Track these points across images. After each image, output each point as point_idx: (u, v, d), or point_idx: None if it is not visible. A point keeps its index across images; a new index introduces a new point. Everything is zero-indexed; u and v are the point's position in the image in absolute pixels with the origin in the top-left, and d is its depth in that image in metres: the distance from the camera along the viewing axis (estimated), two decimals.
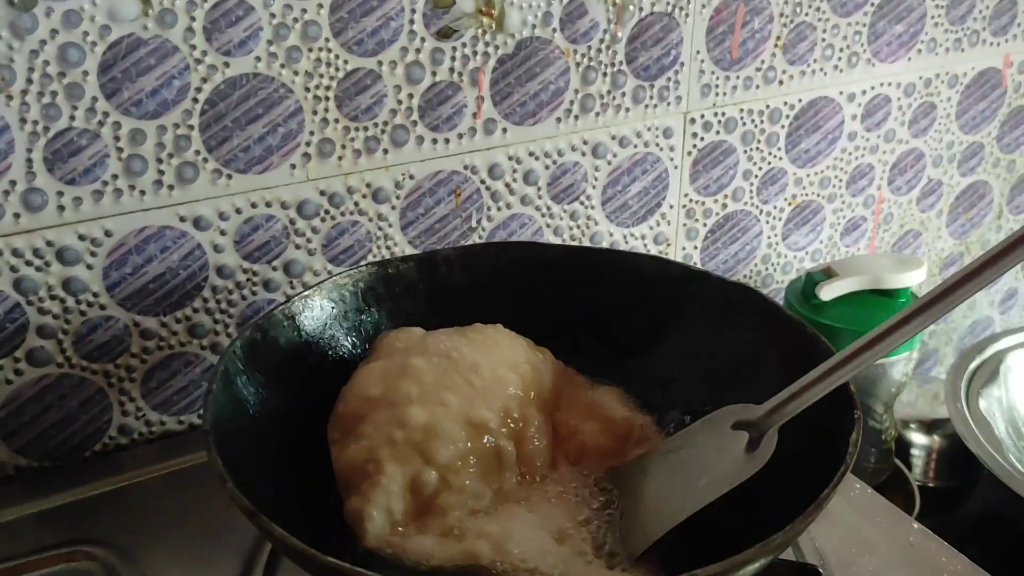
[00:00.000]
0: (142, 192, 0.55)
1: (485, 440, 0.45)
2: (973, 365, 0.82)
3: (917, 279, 0.73)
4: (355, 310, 0.55)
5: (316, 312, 0.53)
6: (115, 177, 0.54)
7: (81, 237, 0.55)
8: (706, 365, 0.52)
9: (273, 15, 0.55)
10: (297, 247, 0.61)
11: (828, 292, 0.72)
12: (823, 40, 0.75)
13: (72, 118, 0.52)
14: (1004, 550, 0.76)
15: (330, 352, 0.53)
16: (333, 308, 0.54)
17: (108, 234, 0.55)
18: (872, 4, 0.75)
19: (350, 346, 0.54)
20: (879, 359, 0.42)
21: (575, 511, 0.45)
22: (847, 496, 0.56)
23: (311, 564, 0.36)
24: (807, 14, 0.73)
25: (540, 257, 0.58)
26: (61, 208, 0.53)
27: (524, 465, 0.47)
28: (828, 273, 0.73)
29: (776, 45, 0.73)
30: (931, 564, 0.51)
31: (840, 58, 0.76)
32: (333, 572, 0.35)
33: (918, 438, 0.85)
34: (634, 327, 0.55)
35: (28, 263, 0.54)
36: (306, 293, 0.52)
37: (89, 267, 0.55)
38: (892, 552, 0.52)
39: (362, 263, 0.61)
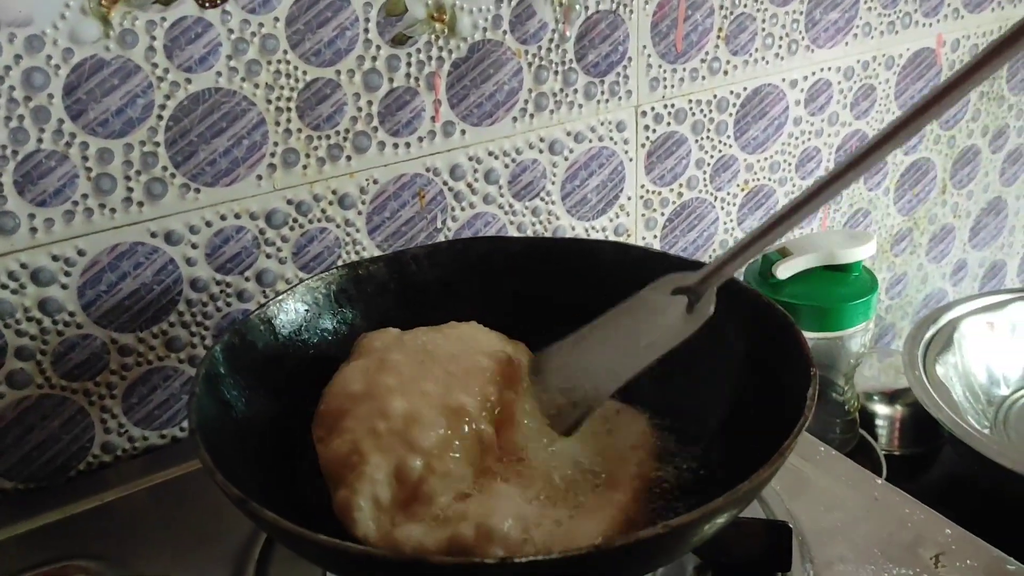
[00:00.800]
0: (112, 210, 0.56)
1: (465, 425, 0.47)
2: (928, 334, 0.85)
3: (867, 252, 0.77)
4: (329, 312, 0.56)
5: (291, 315, 0.54)
6: (85, 197, 0.55)
7: (55, 258, 0.56)
8: None
9: (231, 30, 0.56)
10: (268, 256, 0.63)
11: (784, 271, 0.75)
12: (763, 30, 0.78)
13: (40, 140, 0.53)
14: (973, 509, 0.79)
15: (309, 353, 0.54)
16: (307, 311, 0.55)
17: (81, 253, 0.56)
18: None
19: (326, 347, 0.56)
20: (793, 227, 0.45)
21: (554, 478, 0.47)
22: (813, 460, 0.59)
23: (304, 544, 0.37)
24: (746, 5, 0.76)
25: (505, 250, 0.60)
26: (33, 230, 0.54)
27: (504, 448, 0.49)
28: (783, 252, 0.76)
29: (719, 37, 0.76)
30: (896, 515, 0.53)
31: (780, 46, 0.79)
32: (325, 551, 0.37)
33: (881, 409, 0.87)
34: (599, 310, 0.57)
35: (3, 286, 0.55)
36: (280, 297, 0.54)
37: (64, 287, 0.56)
38: (859, 508, 0.54)
39: (332, 268, 0.62)
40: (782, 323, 0.49)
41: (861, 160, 0.40)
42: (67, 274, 0.56)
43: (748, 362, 0.50)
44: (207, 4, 0.55)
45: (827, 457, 0.59)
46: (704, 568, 0.49)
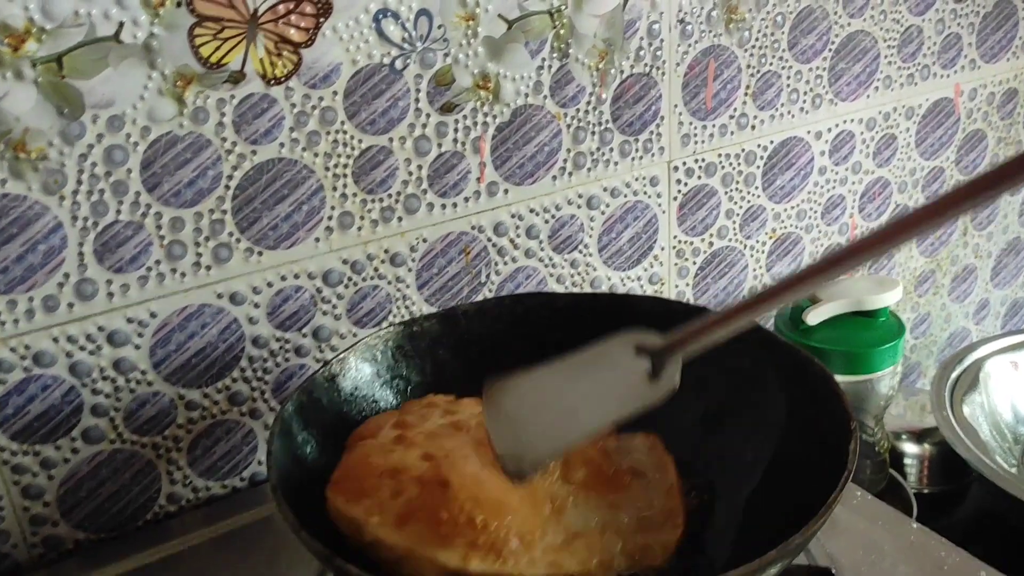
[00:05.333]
0: (182, 274, 0.60)
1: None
2: (954, 375, 0.87)
3: (894, 298, 0.79)
4: (387, 367, 0.59)
5: (352, 372, 0.57)
6: (158, 263, 0.59)
7: (129, 320, 0.59)
8: (710, 393, 0.57)
9: (294, 105, 0.60)
10: (324, 313, 0.66)
11: (814, 317, 0.77)
12: (788, 86, 0.81)
13: (118, 212, 0.57)
14: (1002, 547, 0.80)
15: (368, 407, 0.58)
16: (368, 367, 0.58)
17: (153, 315, 0.60)
18: (830, 50, 0.82)
19: (385, 401, 0.59)
20: (772, 310, 0.43)
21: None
22: (849, 504, 0.61)
23: None
24: (771, 63, 0.79)
25: (552, 304, 0.63)
26: (110, 295, 0.58)
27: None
28: (813, 299, 0.78)
29: (746, 94, 0.79)
30: (932, 558, 0.56)
31: (805, 100, 0.83)
32: None
33: (910, 448, 0.89)
34: None
35: (82, 348, 0.58)
36: (341, 355, 0.57)
37: (137, 347, 0.60)
38: (896, 551, 0.57)
39: (386, 323, 0.66)
40: (821, 376, 0.51)
41: (835, 263, 0.39)
42: (140, 335, 0.60)
43: (789, 416, 0.53)
44: (272, 81, 0.59)
45: (863, 501, 0.61)
46: None
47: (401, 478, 0.46)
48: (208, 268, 0.61)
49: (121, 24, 0.54)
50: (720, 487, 0.54)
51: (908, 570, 0.55)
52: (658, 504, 0.51)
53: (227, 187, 0.60)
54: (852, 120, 0.87)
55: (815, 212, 0.88)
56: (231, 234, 0.61)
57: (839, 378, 0.78)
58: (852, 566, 0.55)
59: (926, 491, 0.89)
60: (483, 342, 0.62)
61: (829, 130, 0.86)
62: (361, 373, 0.58)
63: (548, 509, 0.46)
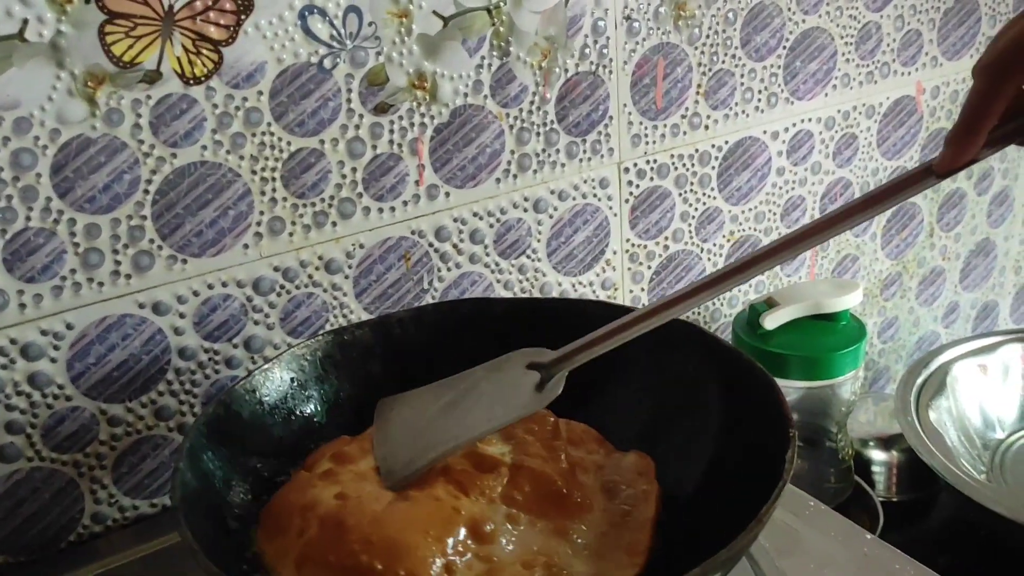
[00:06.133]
0: (100, 283, 0.57)
1: None
2: (920, 379, 0.85)
3: (854, 301, 0.77)
4: (314, 378, 0.57)
5: (276, 383, 0.55)
6: (73, 271, 0.56)
7: (43, 332, 0.56)
8: (654, 397, 0.55)
9: (216, 105, 0.57)
10: (256, 323, 0.63)
11: (772, 321, 0.75)
12: (742, 84, 0.79)
13: (28, 219, 0.54)
14: (974, 555, 0.78)
15: (293, 419, 0.55)
16: (293, 378, 0.56)
17: (69, 327, 0.57)
18: (784, 47, 0.80)
19: (311, 412, 0.56)
20: (658, 325, 0.47)
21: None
22: (803, 515, 0.59)
23: None
24: (724, 61, 0.77)
25: (490, 311, 0.61)
26: (22, 306, 0.55)
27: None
28: (770, 303, 0.76)
29: (698, 92, 0.77)
30: (886, 571, 0.53)
31: (760, 99, 0.81)
32: None
33: (877, 455, 0.87)
34: (586, 368, 0.58)
35: None
36: (266, 366, 0.55)
37: (53, 360, 0.57)
38: (849, 563, 0.54)
39: (319, 333, 0.63)
40: (763, 382, 0.49)
41: (748, 266, 0.44)
42: (56, 348, 0.57)
43: (727, 424, 0.50)
44: (191, 81, 0.56)
45: (817, 512, 0.59)
46: None
47: (308, 516, 0.43)
48: (128, 277, 0.58)
49: (25, 21, 0.51)
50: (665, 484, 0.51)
51: None
52: (624, 538, 0.47)
53: (146, 192, 0.57)
54: (810, 119, 0.85)
55: (774, 214, 0.86)
56: (152, 241, 0.58)
57: (799, 384, 0.77)
58: None
59: (895, 499, 0.86)
60: (419, 351, 0.59)
61: (786, 129, 0.83)
62: (286, 384, 0.55)
63: (468, 538, 0.43)
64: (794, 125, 0.84)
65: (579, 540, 0.46)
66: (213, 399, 0.51)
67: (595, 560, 0.45)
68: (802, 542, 0.56)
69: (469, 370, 0.51)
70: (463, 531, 0.42)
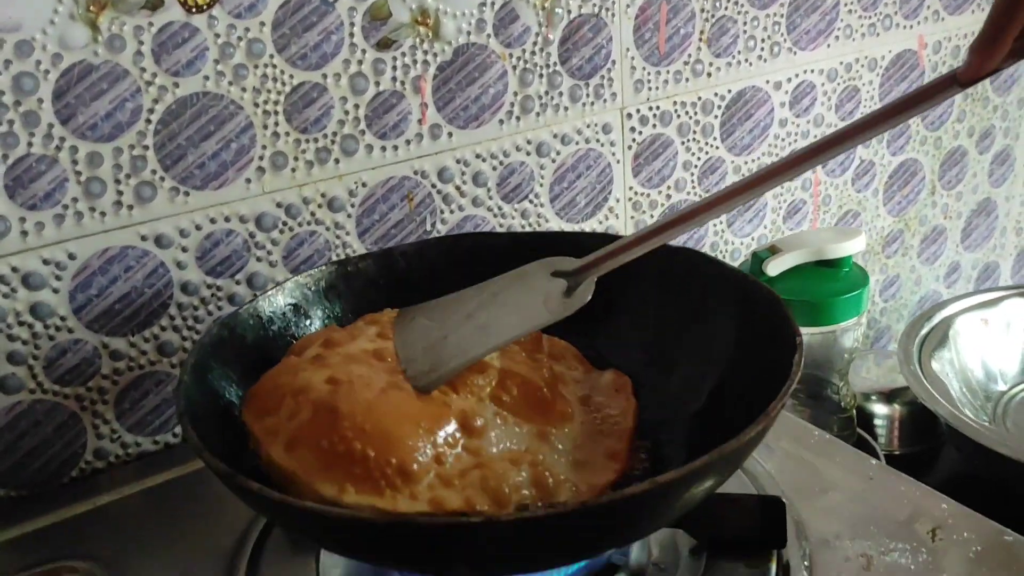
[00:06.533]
0: (102, 214, 0.57)
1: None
2: (923, 331, 0.85)
3: (857, 247, 0.77)
4: (319, 307, 0.57)
5: (280, 310, 0.55)
6: (75, 200, 0.56)
7: (45, 261, 0.56)
8: (659, 322, 0.55)
9: (218, 35, 0.57)
10: (258, 260, 0.63)
11: (774, 267, 0.75)
12: (744, 32, 0.79)
13: (30, 144, 0.54)
14: (979, 504, 0.78)
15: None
16: (296, 305, 0.55)
17: (72, 257, 0.57)
18: None
19: None
20: (686, 232, 0.48)
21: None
22: (808, 443, 0.59)
23: (292, 513, 0.37)
24: (727, 8, 0.77)
25: (492, 245, 0.61)
26: (24, 234, 0.55)
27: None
28: (773, 250, 0.76)
29: (701, 39, 0.77)
30: (892, 493, 0.53)
31: (763, 48, 0.81)
32: (311, 516, 0.36)
33: (880, 408, 0.87)
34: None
35: None
36: (269, 292, 0.54)
37: (55, 291, 0.57)
38: (854, 487, 0.54)
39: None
40: (768, 299, 0.49)
41: (768, 177, 0.42)
42: (58, 278, 0.57)
43: (736, 340, 0.50)
44: (193, 9, 0.56)
45: (821, 441, 0.59)
46: (699, 548, 0.48)
47: (300, 400, 0.43)
48: (130, 208, 0.58)
49: None
50: (667, 410, 0.51)
51: (866, 505, 0.52)
52: (602, 445, 0.48)
53: (148, 121, 0.57)
54: (812, 71, 0.85)
55: None
56: (154, 172, 0.58)
57: (802, 329, 0.76)
58: (807, 501, 0.53)
59: (897, 453, 0.86)
60: (421, 284, 0.59)
61: (789, 80, 0.83)
62: (290, 312, 0.55)
63: (458, 431, 0.43)
64: (796, 76, 0.84)
65: (560, 446, 0.46)
66: (217, 321, 0.51)
67: (576, 465, 0.46)
68: (806, 467, 0.56)
69: (488, 280, 0.51)
70: (453, 424, 0.43)
